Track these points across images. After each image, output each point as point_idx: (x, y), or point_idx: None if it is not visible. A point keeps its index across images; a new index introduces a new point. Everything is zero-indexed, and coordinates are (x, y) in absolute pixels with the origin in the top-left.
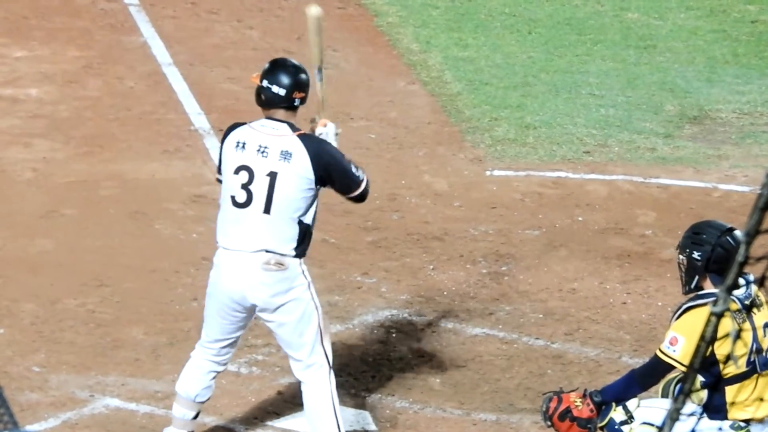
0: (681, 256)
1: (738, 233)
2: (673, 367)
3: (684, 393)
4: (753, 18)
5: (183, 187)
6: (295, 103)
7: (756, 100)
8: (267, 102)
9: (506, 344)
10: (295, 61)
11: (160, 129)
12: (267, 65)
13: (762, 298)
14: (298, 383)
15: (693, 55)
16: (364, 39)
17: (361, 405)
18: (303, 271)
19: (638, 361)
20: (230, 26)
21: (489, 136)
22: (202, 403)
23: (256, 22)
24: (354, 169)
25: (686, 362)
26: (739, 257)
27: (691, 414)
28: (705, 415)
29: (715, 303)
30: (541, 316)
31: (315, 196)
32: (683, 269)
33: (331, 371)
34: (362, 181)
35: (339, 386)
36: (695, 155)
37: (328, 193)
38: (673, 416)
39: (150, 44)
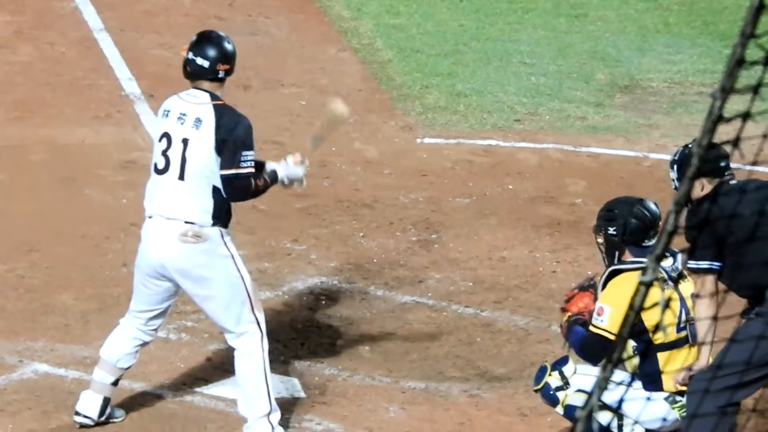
0: (599, 239)
1: (649, 202)
2: (609, 342)
3: (612, 361)
4: None
5: (113, 152)
6: (220, 75)
7: (687, 69)
8: (192, 74)
9: (435, 312)
10: (221, 33)
11: (91, 95)
12: (194, 37)
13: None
14: (228, 350)
15: (624, 24)
16: (295, 6)
17: (290, 372)
18: (225, 243)
19: None
20: None
21: (420, 104)
22: (123, 369)
23: None
24: (245, 157)
25: (614, 330)
26: (669, 226)
27: (620, 383)
28: (633, 384)
29: (643, 272)
30: (470, 284)
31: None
32: (603, 250)
33: (264, 338)
34: (243, 169)
35: (268, 353)
36: (626, 124)
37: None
38: (602, 385)
39: (81, 10)
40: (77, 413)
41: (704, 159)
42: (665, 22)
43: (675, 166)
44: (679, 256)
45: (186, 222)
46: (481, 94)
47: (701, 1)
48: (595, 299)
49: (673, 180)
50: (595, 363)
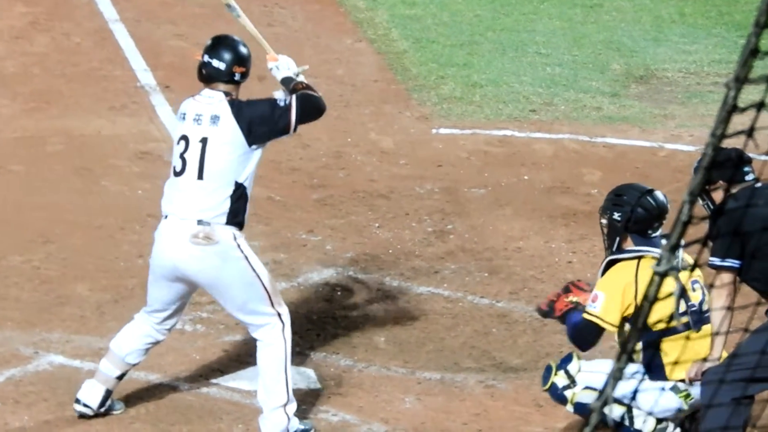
0: (603, 220)
1: (659, 194)
2: (601, 329)
3: (626, 352)
4: None
5: (129, 143)
6: (236, 78)
7: (702, 59)
8: (208, 76)
9: (451, 303)
10: (236, 37)
11: (106, 85)
12: (208, 41)
13: (688, 259)
14: (243, 341)
15: (639, 14)
16: None
17: (305, 363)
18: (239, 245)
19: None
20: None
21: (435, 94)
22: (131, 365)
23: None
24: (280, 102)
25: (607, 318)
26: (683, 217)
27: (635, 373)
28: (648, 375)
29: (658, 263)
30: (486, 274)
31: (251, 159)
32: (605, 232)
33: (286, 328)
34: (289, 106)
35: (290, 345)
36: (641, 114)
37: (274, 150)
38: (616, 375)
39: (97, 0)
40: (77, 401)
41: (718, 148)
42: (680, 12)
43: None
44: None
45: (199, 221)
46: (497, 84)
47: None
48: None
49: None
50: (584, 349)
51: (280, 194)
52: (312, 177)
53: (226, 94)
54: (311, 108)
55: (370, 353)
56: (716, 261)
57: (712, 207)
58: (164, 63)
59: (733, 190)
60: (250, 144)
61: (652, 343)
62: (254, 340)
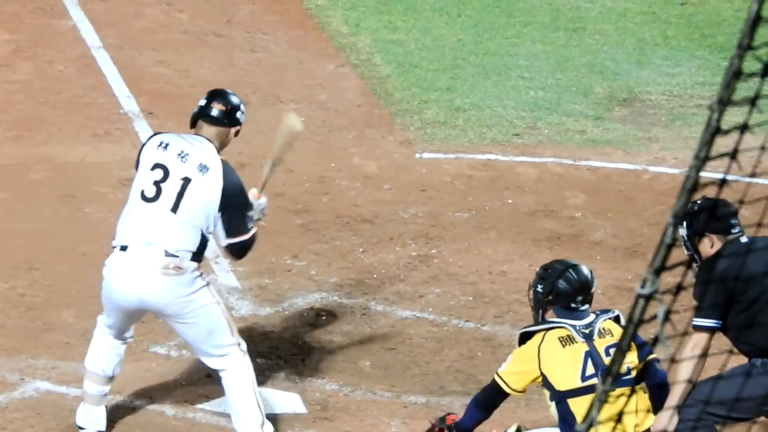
0: (530, 293)
1: (583, 268)
2: (501, 391)
3: (612, 375)
4: (682, 0)
5: (113, 170)
6: (226, 121)
7: (686, 82)
8: (201, 119)
9: (436, 327)
10: (230, 90)
11: (90, 112)
12: (209, 92)
13: (613, 329)
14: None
15: (622, 37)
16: (293, 22)
17: (291, 388)
18: (200, 275)
19: None
20: (160, 9)
21: (419, 119)
22: (113, 377)
23: (186, 5)
24: (248, 221)
25: (507, 380)
26: (667, 239)
27: None
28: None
29: (643, 285)
30: (471, 298)
31: (216, 222)
32: (531, 305)
33: (245, 354)
34: (249, 231)
35: (269, 369)
36: (625, 137)
37: (256, 176)
38: (602, 397)
39: (79, 27)
40: (81, 428)
41: (700, 169)
42: (664, 35)
43: (684, 222)
44: (600, 319)
45: (168, 253)
46: (480, 108)
47: (699, 14)
48: None
49: (683, 237)
50: (483, 412)
51: (264, 219)
52: (296, 202)
53: (216, 147)
54: (243, 249)
55: (356, 377)
56: (707, 322)
57: (699, 261)
58: (147, 89)
59: (720, 243)
60: (220, 211)
61: (563, 402)
62: None
